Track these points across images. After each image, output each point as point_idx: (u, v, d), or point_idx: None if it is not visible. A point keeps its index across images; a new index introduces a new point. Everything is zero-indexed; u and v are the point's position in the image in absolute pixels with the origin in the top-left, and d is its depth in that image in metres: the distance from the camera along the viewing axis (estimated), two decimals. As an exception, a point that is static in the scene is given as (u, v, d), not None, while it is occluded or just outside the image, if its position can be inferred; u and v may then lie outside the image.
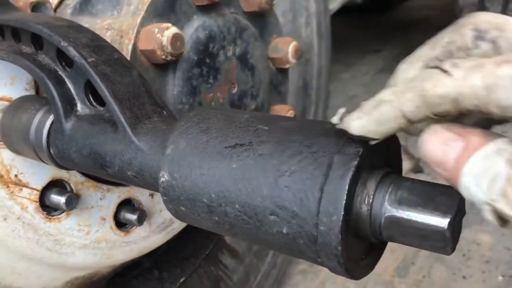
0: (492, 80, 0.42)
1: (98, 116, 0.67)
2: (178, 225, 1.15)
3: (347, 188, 0.47)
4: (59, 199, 0.90)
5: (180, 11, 0.81)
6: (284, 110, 1.01)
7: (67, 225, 0.94)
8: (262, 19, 0.96)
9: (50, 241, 0.93)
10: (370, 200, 0.50)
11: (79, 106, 0.69)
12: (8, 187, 0.85)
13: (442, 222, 0.46)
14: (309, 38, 1.57)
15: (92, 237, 0.99)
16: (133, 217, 1.01)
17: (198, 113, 0.59)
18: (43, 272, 0.97)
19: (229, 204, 0.53)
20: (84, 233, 0.98)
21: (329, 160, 0.49)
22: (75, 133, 0.67)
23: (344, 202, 0.47)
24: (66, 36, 0.65)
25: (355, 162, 0.48)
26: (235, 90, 0.90)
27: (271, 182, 0.50)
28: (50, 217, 0.92)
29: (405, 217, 0.48)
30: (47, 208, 0.91)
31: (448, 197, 0.47)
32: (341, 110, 0.53)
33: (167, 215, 1.11)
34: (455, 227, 0.47)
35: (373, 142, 0.50)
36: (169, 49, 0.74)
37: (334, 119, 0.52)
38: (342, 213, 0.47)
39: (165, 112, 0.66)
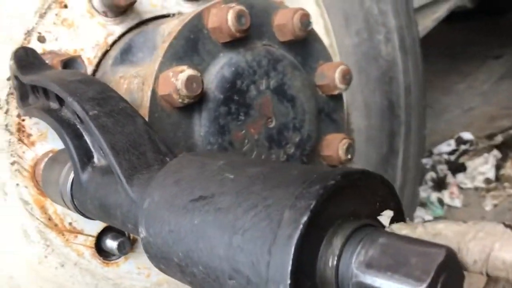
0: None
1: (110, 168, 0.67)
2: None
3: (292, 250, 0.40)
4: (113, 244, 0.91)
5: (203, 50, 0.79)
6: (338, 139, 0.93)
7: (125, 269, 0.96)
8: (302, 46, 0.90)
9: (109, 286, 0.95)
10: (335, 262, 0.41)
11: (95, 158, 0.70)
12: (63, 235, 0.89)
13: None
14: (390, 56, 1.45)
15: (153, 280, 0.99)
16: (191, 259, 0.99)
17: (178, 162, 0.56)
18: (108, 315, 0.99)
19: (194, 264, 0.48)
20: (144, 276, 0.98)
21: (280, 215, 0.42)
22: (89, 185, 0.68)
23: (289, 267, 0.39)
24: (74, 91, 0.67)
25: (304, 218, 0.40)
26: (272, 124, 0.85)
27: (226, 241, 0.45)
28: (107, 261, 0.94)
29: (372, 284, 0.39)
30: (105, 253, 0.94)
31: (427, 258, 0.38)
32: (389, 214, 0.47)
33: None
34: None
35: None
36: (185, 92, 0.72)
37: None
38: (289, 281, 0.39)
39: (168, 159, 0.64)
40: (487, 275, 0.43)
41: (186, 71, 0.72)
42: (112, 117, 0.64)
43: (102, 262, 0.93)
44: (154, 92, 0.75)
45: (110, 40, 0.90)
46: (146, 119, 0.74)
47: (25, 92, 0.79)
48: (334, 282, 0.41)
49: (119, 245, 0.91)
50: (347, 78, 0.91)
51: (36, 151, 0.85)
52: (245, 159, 0.57)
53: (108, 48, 0.90)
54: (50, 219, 0.88)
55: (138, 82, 0.78)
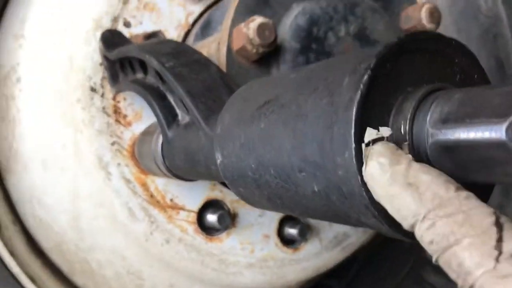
0: None
1: (192, 121, 0.68)
2: (355, 240, 1.06)
3: (354, 112, 0.36)
4: (213, 218, 0.92)
5: (275, 2, 0.78)
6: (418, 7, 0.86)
7: (229, 244, 0.96)
8: (382, -10, 0.86)
9: (215, 261, 0.95)
10: (407, 128, 0.37)
11: (180, 116, 0.71)
12: (165, 211, 0.91)
13: (497, 129, 0.31)
14: (492, 10, 1.34)
15: (258, 256, 0.98)
16: (294, 231, 0.97)
17: (247, 85, 0.55)
18: (219, 294, 0.99)
19: (266, 171, 0.45)
20: (249, 252, 0.97)
21: (339, 86, 0.38)
22: (175, 140, 0.69)
23: (353, 130, 0.35)
24: (150, 49, 0.69)
25: (365, 78, 0.36)
26: (357, 72, 0.81)
27: (291, 132, 0.42)
28: (210, 237, 0.94)
29: (451, 138, 0.34)
30: (207, 229, 0.94)
31: (510, 96, 0.32)
32: None
33: (339, 228, 1.04)
34: None
35: None
36: (257, 40, 0.71)
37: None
38: (353, 145, 0.35)
39: (233, 95, 0.63)
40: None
41: (256, 20, 0.71)
42: (187, 67, 0.65)
43: (205, 237, 0.94)
44: (229, 49, 0.75)
45: (191, 20, 0.93)
46: (225, 76, 0.74)
47: (115, 72, 0.83)
48: (409, 149, 0.37)
49: (219, 218, 0.91)
50: (435, 16, 0.84)
51: (133, 131, 0.89)
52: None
53: (190, 28, 0.93)
54: (152, 196, 0.90)
55: (215, 45, 0.79)
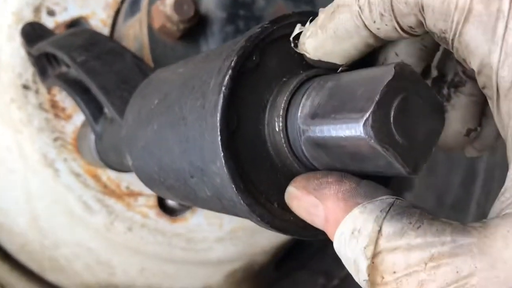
0: None
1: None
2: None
3: (218, 118, 0.33)
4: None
5: (194, -28, 0.73)
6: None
7: (195, 222, 0.94)
8: None
9: (183, 241, 0.94)
10: (281, 124, 0.34)
11: (105, 108, 0.68)
12: (123, 199, 0.90)
13: (356, 126, 0.28)
14: None
15: (227, 229, 0.97)
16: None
17: (148, 78, 0.51)
18: (194, 270, 0.99)
19: (167, 175, 0.43)
20: (217, 227, 0.96)
21: (208, 86, 0.35)
22: (104, 134, 0.66)
23: (219, 138, 0.33)
24: (63, 44, 0.65)
25: (226, 79, 0.33)
26: (293, 32, 0.76)
27: (176, 136, 0.39)
28: (174, 218, 0.93)
29: (319, 135, 0.31)
30: (170, 210, 0.93)
31: (373, 83, 0.28)
32: (298, 26, 0.38)
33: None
34: (400, 126, 0.28)
35: (339, 70, 0.35)
36: (176, 17, 0.67)
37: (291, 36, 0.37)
38: (222, 154, 0.32)
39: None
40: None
41: (172, -6, 0.67)
42: (100, 59, 0.62)
43: (169, 219, 0.92)
44: (150, 28, 0.71)
45: (119, -3, 0.88)
46: (150, 58, 0.70)
47: (43, 65, 0.79)
48: (285, 147, 0.34)
49: (178, 199, 0.89)
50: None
51: (75, 123, 0.86)
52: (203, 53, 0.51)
53: (119, 6, 0.88)
54: (105, 186, 0.88)
55: (138, 24, 0.75)
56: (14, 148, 0.85)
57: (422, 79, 0.30)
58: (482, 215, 1.34)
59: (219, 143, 0.33)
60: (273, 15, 0.75)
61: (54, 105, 0.85)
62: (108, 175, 0.88)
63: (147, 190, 0.90)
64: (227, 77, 0.33)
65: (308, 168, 0.35)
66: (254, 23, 0.74)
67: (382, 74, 0.28)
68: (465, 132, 0.43)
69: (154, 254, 0.93)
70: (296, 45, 0.37)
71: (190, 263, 0.97)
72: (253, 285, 1.08)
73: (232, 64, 0.33)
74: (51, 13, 0.84)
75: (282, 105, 0.34)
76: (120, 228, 0.90)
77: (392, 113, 0.28)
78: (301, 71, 0.36)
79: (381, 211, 0.30)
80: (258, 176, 0.35)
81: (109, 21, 0.87)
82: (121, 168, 0.70)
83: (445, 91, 0.43)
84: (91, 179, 0.87)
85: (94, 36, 0.66)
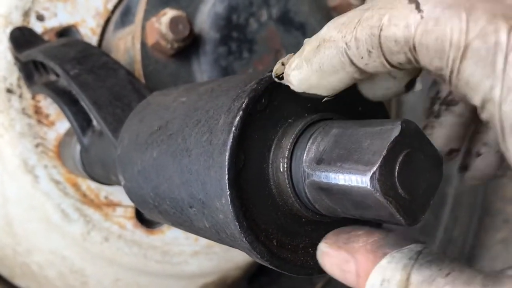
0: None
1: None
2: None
3: (227, 158, 0.34)
4: (152, 212, 0.90)
5: (190, -9, 0.74)
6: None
7: (171, 235, 0.94)
8: (304, -33, 0.82)
9: (158, 253, 0.94)
10: (285, 166, 0.35)
11: (94, 121, 0.67)
12: (101, 209, 0.89)
13: (362, 178, 0.29)
14: None
15: (203, 243, 0.97)
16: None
17: (145, 101, 0.52)
18: (168, 283, 0.99)
19: (163, 201, 0.44)
20: (193, 241, 0.96)
21: (217, 122, 0.36)
22: (91, 147, 0.66)
23: (227, 177, 0.34)
24: (56, 54, 0.65)
25: (236, 120, 0.34)
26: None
27: (178, 167, 0.40)
28: (151, 230, 0.93)
29: (324, 180, 0.32)
30: (147, 222, 0.93)
31: (380, 137, 0.30)
32: (285, 58, 0.39)
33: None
34: (403, 180, 0.30)
35: (323, 99, 0.36)
36: (171, 36, 0.67)
37: (273, 71, 0.38)
38: (228, 192, 0.33)
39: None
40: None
41: (168, 13, 0.67)
42: (93, 73, 0.62)
43: (146, 231, 0.92)
44: (143, 44, 0.71)
45: (110, 6, 0.87)
46: (142, 73, 0.71)
47: (29, 72, 0.79)
48: (289, 187, 0.35)
49: (157, 212, 0.89)
50: (361, -9, 0.82)
51: (57, 130, 0.85)
52: (205, 80, 0.52)
53: (110, 15, 0.88)
54: (85, 195, 0.88)
55: (131, 38, 0.75)
56: (-7, 151, 0.84)
57: (425, 136, 0.31)
58: (449, 240, 1.37)
59: (226, 181, 0.34)
60: (264, 39, 0.77)
61: (37, 111, 0.84)
62: (88, 184, 0.88)
63: (125, 201, 0.91)
64: (237, 118, 0.34)
65: (308, 209, 0.37)
66: (246, 45, 0.75)
67: (388, 129, 0.30)
68: (447, 151, 0.44)
69: (129, 265, 0.93)
70: (279, 78, 0.37)
71: (164, 276, 0.97)
72: (224, 299, 1.08)
73: (243, 106, 0.34)
74: (40, 18, 0.83)
75: (288, 146, 0.36)
76: (96, 238, 0.89)
77: (397, 167, 0.29)
78: (306, 114, 0.37)
79: (409, 259, 0.30)
80: (259, 214, 0.36)
81: (98, 30, 0.87)
82: (106, 182, 0.70)
83: (436, 107, 0.44)
84: (70, 188, 0.86)
85: (87, 48, 0.66)
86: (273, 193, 0.36)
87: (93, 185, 0.88)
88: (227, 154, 0.34)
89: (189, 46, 0.71)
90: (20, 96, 0.83)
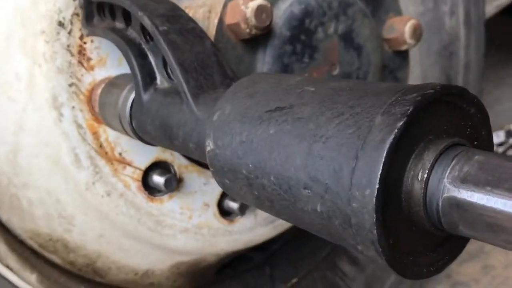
0: None
1: (173, 89, 0.66)
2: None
3: (384, 154, 0.37)
4: (160, 180, 0.91)
5: (274, -16, 0.77)
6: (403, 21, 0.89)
7: (169, 207, 0.95)
8: (375, -5, 0.86)
9: (152, 221, 0.94)
10: (425, 176, 0.39)
11: (158, 80, 0.68)
12: (112, 164, 0.89)
13: None
14: (454, 29, 1.40)
15: (194, 222, 0.99)
16: (235, 206, 0.98)
17: (250, 78, 0.54)
18: (147, 252, 1.00)
19: (265, 175, 0.46)
20: (187, 217, 0.98)
21: (370, 122, 0.39)
22: (151, 105, 0.67)
23: (380, 172, 0.37)
24: (144, 6, 0.65)
25: (400, 123, 0.38)
26: (336, 72, 0.82)
27: (304, 149, 0.43)
28: (152, 197, 0.93)
29: (468, 199, 0.36)
30: (150, 188, 0.93)
31: None
32: None
33: (275, 208, 1.07)
34: None
35: None
36: (253, 21, 0.69)
37: None
38: (377, 186, 0.37)
39: (233, 83, 0.62)
40: None
41: (257, 0, 0.70)
42: (181, 35, 0.63)
43: (147, 197, 0.93)
44: (221, 21, 0.73)
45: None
46: (211, 48, 0.72)
47: (90, 12, 0.78)
48: (421, 196, 0.39)
49: (166, 181, 0.90)
50: (417, 33, 0.87)
51: (94, 76, 0.84)
52: (321, 78, 0.55)
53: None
54: (101, 146, 0.87)
55: (204, 11, 0.76)
56: (25, 78, 0.82)
57: None
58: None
59: (378, 175, 0.37)
60: (325, 50, 0.81)
61: (81, 51, 0.83)
62: (107, 135, 0.87)
63: (137, 162, 0.91)
64: (401, 122, 0.37)
65: (430, 219, 0.40)
66: (309, 50, 0.78)
67: None
68: None
69: (120, 225, 0.93)
70: None
71: (148, 244, 0.98)
72: (191, 281, 1.10)
73: (409, 112, 0.38)
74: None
75: (431, 160, 0.39)
76: (99, 190, 0.89)
77: None
78: (444, 136, 0.41)
79: None
80: (387, 212, 0.39)
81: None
82: (152, 141, 0.71)
83: None
84: (90, 135, 0.86)
85: (175, 9, 0.66)
86: (400, 197, 0.40)
87: (112, 138, 0.88)
88: (386, 151, 0.37)
89: (261, 36, 0.74)
90: (69, 32, 0.82)
